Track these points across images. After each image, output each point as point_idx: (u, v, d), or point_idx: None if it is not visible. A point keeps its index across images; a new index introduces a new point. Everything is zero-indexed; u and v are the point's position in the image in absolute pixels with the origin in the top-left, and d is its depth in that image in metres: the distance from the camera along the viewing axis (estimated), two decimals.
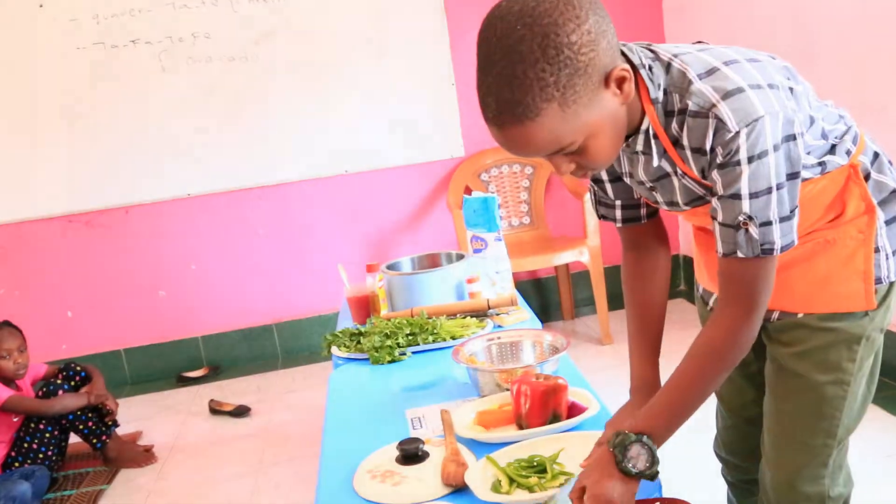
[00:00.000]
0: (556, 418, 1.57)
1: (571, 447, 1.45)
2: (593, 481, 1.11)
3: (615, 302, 4.32)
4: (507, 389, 1.74)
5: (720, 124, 1.07)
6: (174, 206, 4.26)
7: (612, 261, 4.55)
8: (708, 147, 1.10)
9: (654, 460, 1.11)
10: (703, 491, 1.77)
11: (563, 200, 4.46)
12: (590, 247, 3.92)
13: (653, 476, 1.11)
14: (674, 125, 1.13)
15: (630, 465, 1.11)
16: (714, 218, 1.14)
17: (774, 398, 1.37)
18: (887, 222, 1.27)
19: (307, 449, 3.16)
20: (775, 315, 1.32)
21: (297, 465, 3.09)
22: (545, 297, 4.66)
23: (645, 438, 1.11)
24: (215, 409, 3.77)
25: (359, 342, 2.30)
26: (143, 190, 4.20)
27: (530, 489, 1.35)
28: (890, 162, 1.30)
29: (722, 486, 1.74)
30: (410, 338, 2.24)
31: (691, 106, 1.09)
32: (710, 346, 1.15)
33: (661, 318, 1.40)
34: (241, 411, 3.70)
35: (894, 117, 2.75)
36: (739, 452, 1.61)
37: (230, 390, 4.08)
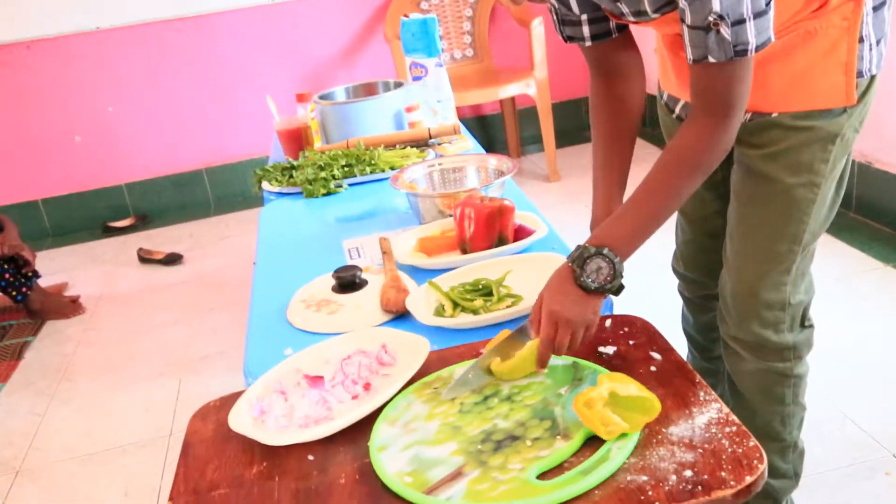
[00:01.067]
0: (502, 241, 1.53)
1: (519, 270, 1.42)
2: (549, 298, 1.06)
3: (564, 138, 4.27)
4: (450, 216, 1.69)
5: None
6: (83, 41, 3.96)
7: (560, 95, 4.46)
8: None
9: (615, 274, 1.06)
10: (656, 307, 1.77)
11: (509, 31, 4.28)
12: (537, 79, 3.80)
13: (616, 290, 1.07)
14: None
15: (589, 279, 1.05)
16: (683, 21, 1.05)
17: (740, 203, 1.34)
18: (875, 8, 1.19)
19: (244, 293, 3.11)
20: (747, 116, 1.27)
21: (233, 310, 3.07)
22: (490, 134, 4.57)
23: (606, 251, 1.05)
24: (145, 258, 3.68)
25: (291, 176, 2.21)
26: (45, 23, 3.87)
27: (475, 312, 1.32)
28: None
29: (676, 302, 1.76)
30: (346, 169, 2.17)
31: None
32: (682, 156, 1.08)
33: (630, 150, 1.31)
34: (172, 259, 3.63)
35: None
36: (698, 267, 1.61)
37: (160, 239, 3.98)
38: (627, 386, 0.94)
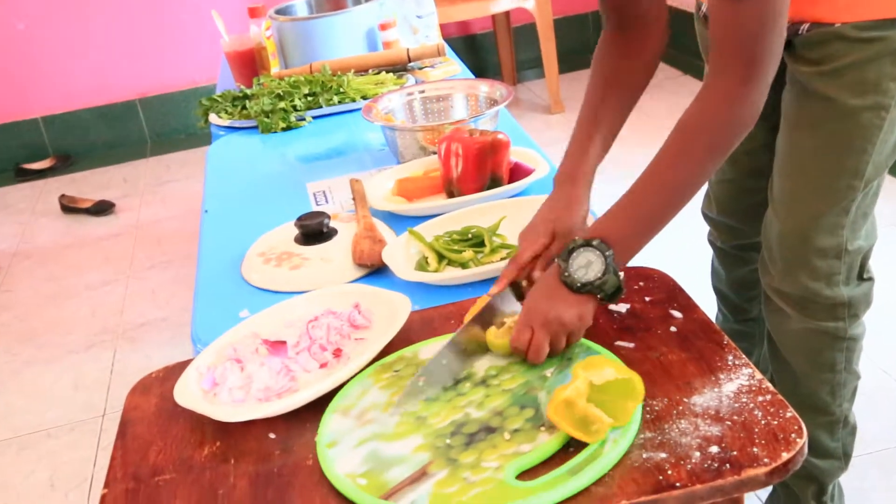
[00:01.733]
0: (495, 182, 1.53)
1: (516, 215, 1.41)
2: (531, 294, 1.06)
3: (568, 61, 4.24)
4: (434, 153, 1.69)
5: None
6: None
7: (564, 10, 4.42)
8: None
9: (606, 269, 1.05)
10: (679, 259, 1.78)
11: None
12: None
13: (608, 292, 1.03)
14: None
15: (575, 275, 1.05)
16: None
17: (792, 130, 1.33)
18: None
19: (189, 247, 3.12)
20: (804, 27, 1.25)
21: (177, 268, 3.06)
22: (480, 57, 4.54)
23: (596, 242, 1.04)
24: (69, 207, 3.66)
25: (244, 107, 2.20)
26: None
27: (464, 265, 1.33)
28: None
29: (704, 253, 1.77)
30: (310, 99, 2.16)
31: None
32: (696, 131, 1.03)
33: (624, 114, 1.24)
34: (102, 208, 3.61)
35: None
36: (736, 212, 1.61)
37: (87, 184, 3.96)
38: (603, 371, 0.94)
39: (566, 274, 1.04)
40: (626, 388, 0.93)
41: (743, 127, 1.06)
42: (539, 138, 3.64)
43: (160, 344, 2.65)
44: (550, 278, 1.06)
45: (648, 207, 1.08)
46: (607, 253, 1.03)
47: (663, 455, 0.88)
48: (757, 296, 1.69)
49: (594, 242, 1.04)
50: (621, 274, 1.04)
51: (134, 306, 2.88)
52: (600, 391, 0.93)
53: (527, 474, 0.89)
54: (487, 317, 1.10)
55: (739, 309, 1.76)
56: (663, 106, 3.61)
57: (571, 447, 0.90)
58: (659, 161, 1.08)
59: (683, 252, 2.03)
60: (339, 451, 0.96)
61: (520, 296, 1.14)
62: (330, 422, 1.01)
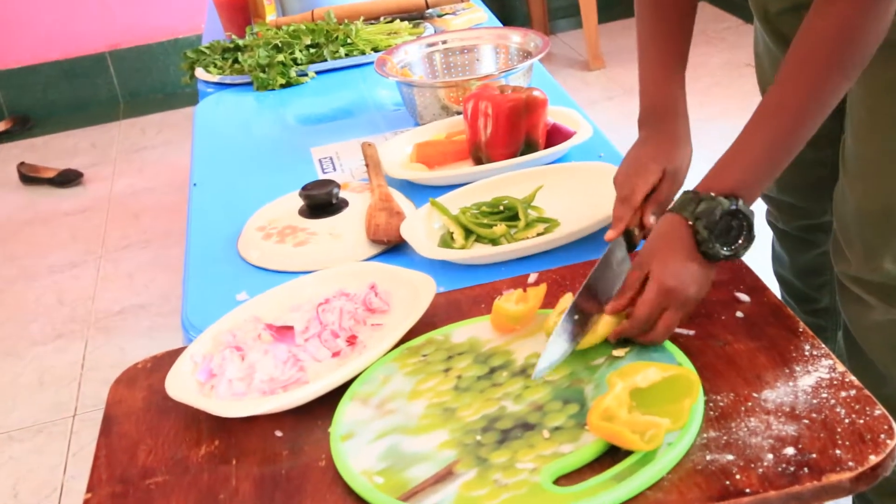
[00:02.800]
0: (530, 146, 1.54)
1: (554, 184, 1.42)
2: (661, 268, 1.06)
3: (608, 10, 4.24)
4: (459, 112, 1.69)
5: None
6: None
7: None
8: None
9: (750, 236, 1.06)
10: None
11: None
12: None
13: (742, 254, 1.07)
14: None
15: (723, 249, 1.06)
16: None
17: (872, 86, 1.32)
18: None
19: (170, 224, 3.15)
20: None
21: (157, 247, 3.09)
22: (506, 5, 4.54)
23: (741, 204, 1.06)
24: (29, 177, 3.70)
25: (236, 60, 2.21)
26: None
27: (495, 242, 1.34)
28: None
29: (765, 236, 1.77)
30: (313, 51, 2.17)
31: None
32: (821, 48, 1.06)
33: (691, 21, 1.30)
34: (67, 178, 3.64)
35: None
36: (799, 188, 1.60)
37: (49, 150, 3.99)
38: (646, 372, 0.95)
39: (710, 244, 1.06)
40: (678, 385, 0.94)
41: (875, 39, 1.07)
42: (578, 97, 3.66)
43: (137, 335, 2.68)
44: (684, 247, 1.07)
45: (773, 146, 1.09)
46: (752, 216, 1.07)
47: (730, 457, 0.89)
48: (827, 283, 1.69)
49: (739, 204, 1.06)
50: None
51: (107, 292, 2.90)
52: (646, 396, 0.94)
53: (566, 479, 0.90)
54: (602, 273, 1.09)
55: (807, 298, 1.76)
56: (723, 58, 3.62)
57: (620, 450, 0.91)
58: (781, 88, 1.10)
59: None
60: (355, 444, 0.98)
61: (631, 245, 1.17)
62: (347, 410, 1.03)
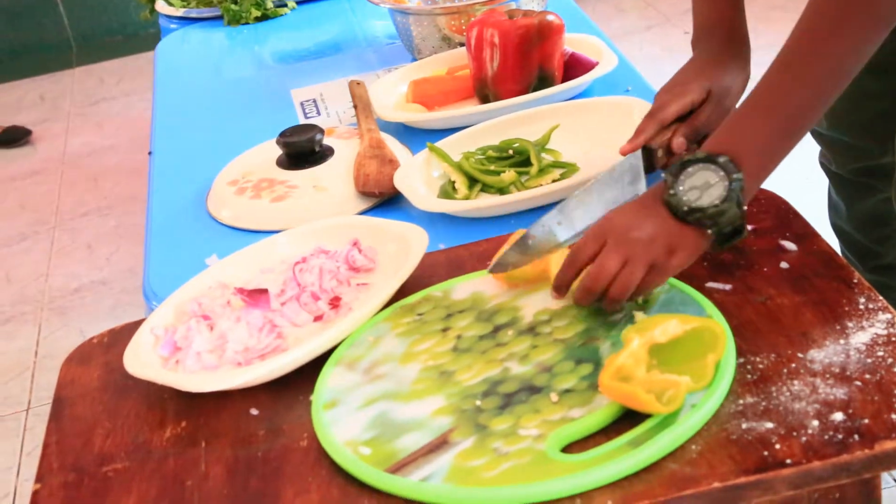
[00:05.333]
0: (544, 80, 1.54)
1: (573, 124, 1.42)
2: (617, 209, 1.06)
3: None
4: (461, 44, 1.70)
5: None
6: None
7: None
8: None
9: (728, 197, 1.02)
10: (787, 188, 1.79)
11: None
12: None
13: (725, 226, 1.03)
14: None
15: (684, 197, 1.03)
16: None
17: None
18: None
19: (134, 187, 3.15)
20: None
21: (118, 215, 3.11)
22: None
23: (722, 160, 1.05)
24: None
25: None
26: None
27: (503, 191, 1.35)
28: None
29: (819, 183, 1.78)
30: None
31: None
32: None
33: None
34: (13, 137, 3.67)
35: None
36: (854, 124, 1.62)
37: None
38: (666, 325, 0.95)
39: (671, 192, 1.04)
40: (703, 339, 0.96)
41: None
42: (608, 29, 3.66)
43: (99, 315, 2.71)
44: (650, 197, 1.07)
45: (788, 105, 1.07)
46: (734, 176, 1.03)
47: (769, 425, 0.90)
48: (891, 235, 1.70)
49: (720, 159, 1.04)
50: (745, 208, 1.04)
51: (62, 267, 2.93)
52: (665, 352, 0.95)
53: (576, 447, 0.91)
54: (603, 189, 1.12)
55: (869, 253, 1.77)
56: None
57: (639, 416, 0.93)
58: (801, 37, 1.08)
59: (790, 180, 2.04)
60: (340, 413, 1.00)
61: (651, 166, 1.18)
62: (331, 376, 1.05)
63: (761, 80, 1.08)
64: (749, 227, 1.06)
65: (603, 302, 1.05)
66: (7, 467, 2.26)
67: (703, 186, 1.04)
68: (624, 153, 1.17)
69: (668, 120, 1.20)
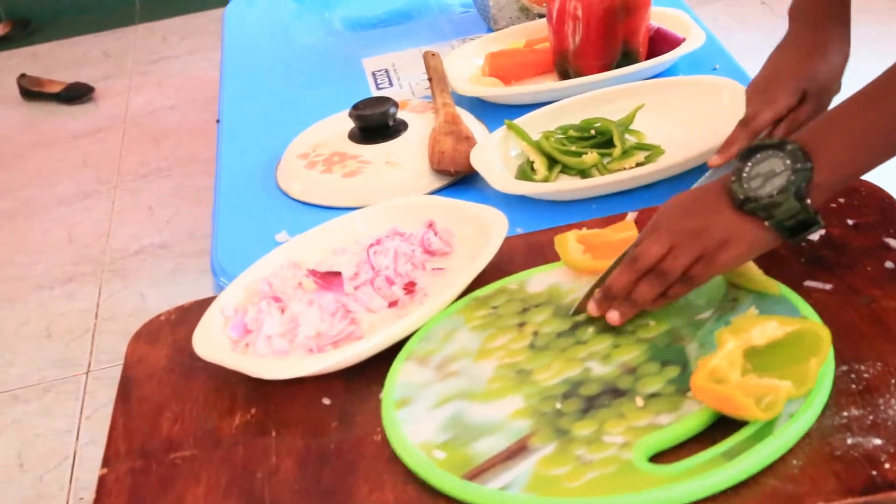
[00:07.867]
0: (629, 57, 1.53)
1: (658, 103, 1.41)
2: (673, 199, 1.03)
3: None
4: (541, 15, 1.69)
5: None
6: None
7: None
8: None
9: (787, 187, 0.96)
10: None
11: None
12: None
13: (777, 218, 0.97)
14: None
15: (747, 184, 1.01)
16: None
17: None
18: None
19: (196, 148, 3.17)
20: None
21: (179, 176, 3.11)
22: None
23: (791, 147, 1.00)
24: (31, 91, 3.73)
25: None
26: None
27: (584, 173, 1.33)
28: None
29: None
30: None
31: None
32: None
33: None
34: (76, 94, 3.67)
35: None
36: None
37: (55, 60, 4.02)
38: (764, 326, 0.92)
39: (734, 178, 0.99)
40: (803, 343, 0.92)
41: None
42: (693, 2, 3.63)
43: (158, 279, 2.71)
44: (717, 181, 1.03)
45: (887, 115, 1.00)
46: (798, 165, 0.97)
47: (877, 441, 0.86)
48: None
49: (789, 146, 0.99)
50: (809, 202, 0.97)
51: (123, 228, 2.94)
52: (767, 355, 0.92)
53: (664, 457, 0.88)
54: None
55: None
56: None
57: (730, 424, 0.89)
58: None
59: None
60: (412, 412, 0.98)
61: None
62: (401, 372, 1.03)
63: (862, 89, 1.02)
64: (822, 222, 0.98)
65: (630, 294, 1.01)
66: (66, 430, 2.27)
67: (768, 175, 0.98)
68: (714, 166, 1.13)
69: (762, 129, 1.15)
